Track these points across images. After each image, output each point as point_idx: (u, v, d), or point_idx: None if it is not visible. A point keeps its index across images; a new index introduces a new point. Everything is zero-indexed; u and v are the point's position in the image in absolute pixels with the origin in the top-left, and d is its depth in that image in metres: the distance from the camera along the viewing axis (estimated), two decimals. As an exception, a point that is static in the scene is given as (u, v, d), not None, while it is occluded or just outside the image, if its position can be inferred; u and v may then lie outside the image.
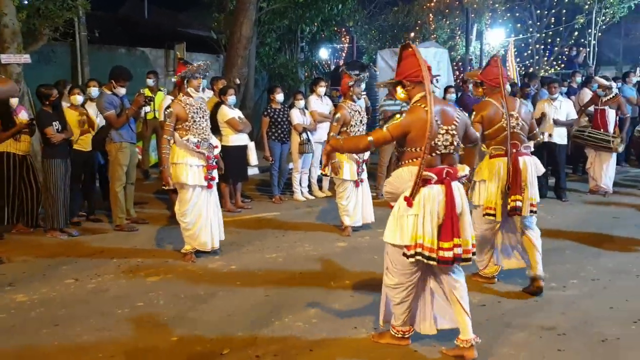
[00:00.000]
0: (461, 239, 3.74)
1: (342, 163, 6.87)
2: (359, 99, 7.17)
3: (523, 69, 19.57)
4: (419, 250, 3.71)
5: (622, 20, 20.40)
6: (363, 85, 7.26)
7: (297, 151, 9.03)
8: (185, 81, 5.93)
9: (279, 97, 8.95)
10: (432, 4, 22.05)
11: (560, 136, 8.95)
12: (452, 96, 9.45)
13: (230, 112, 8.04)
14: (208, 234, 6.04)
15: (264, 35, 15.75)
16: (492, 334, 4.20)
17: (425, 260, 3.73)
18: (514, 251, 5.29)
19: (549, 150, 8.77)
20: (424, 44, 16.70)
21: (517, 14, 21.50)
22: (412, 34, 21.69)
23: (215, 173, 6.12)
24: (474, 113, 5.13)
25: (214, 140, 6.28)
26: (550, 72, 19.92)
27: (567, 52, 19.52)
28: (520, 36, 21.14)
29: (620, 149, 9.33)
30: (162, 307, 4.82)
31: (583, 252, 6.33)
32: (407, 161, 3.82)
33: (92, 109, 7.66)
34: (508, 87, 5.49)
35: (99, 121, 7.57)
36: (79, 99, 7.41)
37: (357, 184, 7.05)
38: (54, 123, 6.79)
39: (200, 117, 5.94)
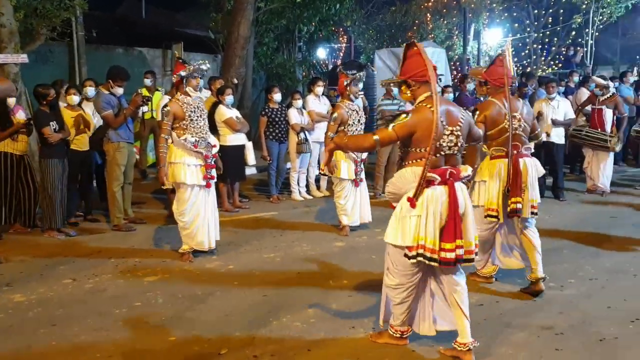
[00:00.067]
0: (464, 240, 3.72)
1: (339, 162, 6.87)
2: (356, 97, 7.17)
3: (520, 68, 19.54)
4: (420, 251, 3.69)
5: (620, 20, 20.41)
6: (360, 85, 7.26)
7: (295, 151, 9.03)
8: (184, 80, 5.93)
9: (277, 96, 8.95)
10: (430, 4, 22.04)
11: (557, 136, 8.95)
12: (449, 96, 9.47)
13: (227, 112, 8.04)
14: (205, 234, 6.03)
15: (261, 35, 15.74)
16: (490, 334, 4.20)
17: (427, 262, 3.71)
18: (514, 251, 5.27)
19: (546, 149, 8.78)
20: (421, 43, 16.68)
21: (515, 14, 21.47)
22: (410, 34, 21.68)
23: (214, 172, 6.11)
24: (478, 113, 5.08)
25: (213, 139, 6.26)
26: (547, 71, 19.91)
27: (564, 52, 19.53)
28: (518, 36, 21.12)
29: (618, 148, 9.34)
30: (160, 307, 4.82)
31: (581, 252, 6.33)
32: (411, 161, 3.79)
33: (88, 108, 7.65)
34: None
35: (97, 121, 7.57)
36: (75, 99, 7.39)
37: (357, 183, 7.04)
38: (51, 123, 6.78)
39: (197, 116, 5.93)
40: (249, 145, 8.40)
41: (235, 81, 11.47)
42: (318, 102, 9.44)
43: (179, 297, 5.03)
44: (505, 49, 5.14)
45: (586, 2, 19.07)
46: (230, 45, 12.61)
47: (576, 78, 12.18)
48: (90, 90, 7.83)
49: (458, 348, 3.81)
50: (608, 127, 9.16)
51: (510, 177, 4.95)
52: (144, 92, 9.45)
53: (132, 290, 5.22)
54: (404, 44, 4.07)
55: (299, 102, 9.14)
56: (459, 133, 3.82)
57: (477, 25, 20.88)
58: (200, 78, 6.06)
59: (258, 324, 4.42)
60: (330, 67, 20.93)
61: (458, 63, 20.17)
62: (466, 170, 3.92)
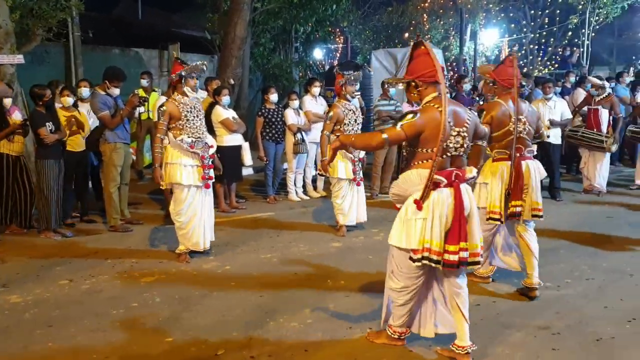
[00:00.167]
0: (468, 243, 3.70)
1: (337, 162, 6.86)
2: (352, 97, 7.17)
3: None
4: (426, 254, 3.67)
5: (616, 21, 20.49)
6: (357, 85, 7.26)
7: (292, 151, 9.03)
8: (183, 80, 5.92)
9: (273, 97, 8.95)
10: (426, 4, 22.08)
11: (554, 136, 8.97)
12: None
13: (224, 113, 8.04)
14: (201, 234, 6.02)
15: (258, 36, 15.75)
16: (487, 334, 4.20)
17: (432, 264, 3.69)
18: (513, 252, 5.24)
19: (543, 150, 8.78)
20: (428, 42, 16.72)
21: (511, 14, 21.53)
22: (407, 34, 21.72)
23: (212, 173, 6.10)
24: (484, 113, 5.00)
25: (210, 140, 6.25)
26: (544, 72, 19.97)
27: (560, 52, 19.61)
28: (514, 36, 21.19)
29: (614, 148, 9.35)
30: (157, 308, 4.80)
31: (577, 252, 6.34)
32: (417, 162, 3.75)
33: (84, 109, 7.64)
34: (525, 89, 5.32)
35: (92, 122, 7.55)
36: (69, 100, 7.37)
37: (357, 183, 7.03)
38: (47, 124, 6.76)
39: (194, 117, 5.92)
40: (246, 146, 8.40)
41: (232, 82, 11.50)
42: (315, 103, 9.44)
43: (175, 298, 5.02)
44: (502, 48, 5.12)
45: (582, 2, 19.14)
46: (226, 45, 12.60)
47: (572, 78, 12.21)
48: (84, 91, 7.81)
49: (456, 351, 3.81)
50: (604, 128, 9.17)
51: (512, 179, 4.94)
52: (141, 92, 9.41)
53: (129, 291, 5.21)
54: (412, 43, 4.01)
55: (296, 103, 9.14)
56: (465, 134, 3.79)
57: (473, 25, 20.93)
58: (197, 78, 6.06)
59: (255, 325, 4.42)
60: (327, 67, 20.96)
61: (454, 63, 20.21)
62: (471, 172, 3.90)
